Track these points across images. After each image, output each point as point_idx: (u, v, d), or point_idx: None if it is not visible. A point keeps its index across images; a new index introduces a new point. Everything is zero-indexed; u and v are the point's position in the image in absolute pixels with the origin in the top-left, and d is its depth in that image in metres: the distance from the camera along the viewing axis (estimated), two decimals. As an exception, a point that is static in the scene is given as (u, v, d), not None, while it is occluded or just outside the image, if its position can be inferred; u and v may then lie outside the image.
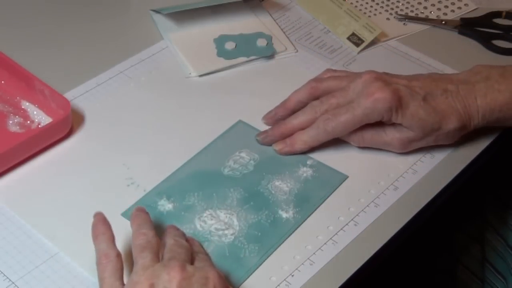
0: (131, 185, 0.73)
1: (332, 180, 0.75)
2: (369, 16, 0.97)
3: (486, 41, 0.92)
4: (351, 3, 0.98)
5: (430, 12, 0.98)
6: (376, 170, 0.76)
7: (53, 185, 0.73)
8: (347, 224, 0.71)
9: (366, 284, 0.72)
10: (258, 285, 0.65)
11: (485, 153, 0.79)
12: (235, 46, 0.89)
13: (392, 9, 0.98)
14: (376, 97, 0.72)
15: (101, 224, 0.64)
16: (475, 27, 0.95)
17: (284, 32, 0.93)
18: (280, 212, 0.71)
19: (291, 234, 0.69)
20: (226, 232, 0.69)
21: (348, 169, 0.76)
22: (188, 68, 0.87)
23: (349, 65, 0.89)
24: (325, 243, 0.69)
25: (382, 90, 0.73)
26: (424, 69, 0.88)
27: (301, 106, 0.78)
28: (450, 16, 0.97)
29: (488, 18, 0.96)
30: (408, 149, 0.77)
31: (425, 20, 0.96)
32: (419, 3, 0.99)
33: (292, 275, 0.66)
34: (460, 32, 0.94)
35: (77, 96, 0.83)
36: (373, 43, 0.92)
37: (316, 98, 0.77)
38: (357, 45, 0.91)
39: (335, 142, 0.77)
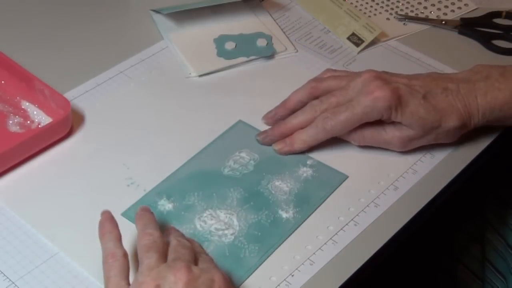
0: (131, 185, 0.73)
1: (332, 180, 0.75)
2: (369, 16, 0.97)
3: (486, 41, 0.92)
4: (351, 3, 0.98)
5: (430, 12, 0.98)
6: (376, 170, 0.76)
7: (53, 185, 0.73)
8: (347, 224, 0.71)
9: (366, 284, 0.72)
10: (258, 285, 0.65)
11: (486, 153, 0.79)
12: (235, 46, 0.89)
13: (392, 9, 0.98)
14: (376, 95, 0.72)
15: (108, 222, 0.64)
16: (475, 27, 0.95)
17: (284, 32, 0.93)
18: (280, 212, 0.71)
19: (291, 234, 0.69)
20: (226, 232, 0.69)
21: (348, 169, 0.76)
22: (188, 68, 0.87)
23: (349, 65, 0.89)
24: (325, 243, 0.69)
25: (382, 88, 0.73)
26: (424, 69, 0.87)
27: (301, 106, 0.78)
28: (450, 16, 0.97)
29: (488, 18, 0.96)
30: (408, 147, 0.76)
31: (425, 20, 0.96)
32: (419, 3, 0.99)
33: (292, 275, 0.66)
34: (460, 32, 0.94)
35: (77, 96, 0.83)
36: (373, 43, 0.91)
37: (316, 97, 0.77)
38: (357, 45, 0.91)
39: (335, 142, 0.77)
